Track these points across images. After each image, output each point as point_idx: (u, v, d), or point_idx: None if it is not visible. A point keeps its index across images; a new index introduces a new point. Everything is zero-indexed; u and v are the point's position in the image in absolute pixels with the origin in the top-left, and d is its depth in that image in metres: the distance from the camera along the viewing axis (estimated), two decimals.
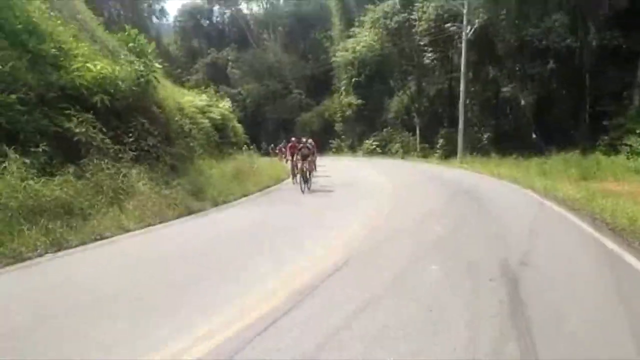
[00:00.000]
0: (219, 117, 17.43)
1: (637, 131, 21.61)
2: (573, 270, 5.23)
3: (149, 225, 8.20)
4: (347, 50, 36.25)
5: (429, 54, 30.02)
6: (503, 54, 27.18)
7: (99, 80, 10.57)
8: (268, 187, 14.84)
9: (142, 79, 11.64)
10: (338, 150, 41.45)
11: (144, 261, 6.06)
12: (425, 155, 32.61)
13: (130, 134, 10.87)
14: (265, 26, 55.04)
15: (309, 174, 13.77)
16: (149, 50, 12.06)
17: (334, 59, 38.88)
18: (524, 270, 5.04)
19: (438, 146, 31.31)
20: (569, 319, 3.73)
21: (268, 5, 54.75)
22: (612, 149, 21.81)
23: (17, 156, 7.72)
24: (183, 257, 6.14)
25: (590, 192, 10.28)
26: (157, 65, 12.26)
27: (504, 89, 28.20)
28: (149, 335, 3.50)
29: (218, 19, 55.66)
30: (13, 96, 8.48)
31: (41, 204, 7.41)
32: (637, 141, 21.15)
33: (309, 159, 13.87)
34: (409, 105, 37.17)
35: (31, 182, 7.59)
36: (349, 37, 38.33)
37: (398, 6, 30.94)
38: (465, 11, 24.66)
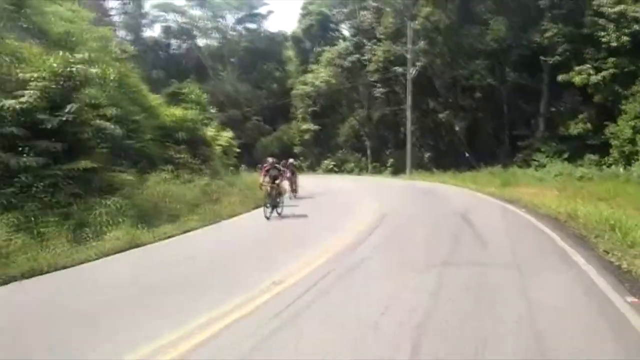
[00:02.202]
0: (226, 144, 22.17)
1: (542, 150, 28.96)
2: (488, 214, 11.07)
3: (239, 214, 12.98)
4: (306, 84, 41.95)
5: (379, 89, 36.34)
6: (439, 88, 34.05)
7: (178, 122, 15.39)
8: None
9: (199, 120, 16.48)
10: (299, 170, 46.67)
11: (249, 230, 10.88)
12: (377, 172, 38.66)
13: (198, 156, 15.69)
14: (219, 59, 59.71)
15: (279, 198, 12.85)
16: (203, 99, 16.93)
17: (294, 91, 44.41)
18: (467, 215, 10.65)
19: (388, 164, 37.49)
20: (486, 226, 9.28)
21: (222, 39, 59.49)
22: (525, 164, 28.83)
23: (166, 170, 12.43)
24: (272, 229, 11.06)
25: (505, 190, 16.37)
26: (211, 110, 17.15)
27: (440, 115, 34.88)
28: (290, 252, 8.03)
29: (175, 51, 59.61)
30: (148, 136, 13.16)
31: (180, 199, 12.07)
32: (542, 157, 28.42)
33: (277, 181, 12.90)
34: (357, 130, 43.47)
35: (173, 187, 12.27)
36: (305, 72, 44.17)
37: (351, 48, 37.20)
38: (409, 57, 31.19)
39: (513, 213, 11.92)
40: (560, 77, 27.69)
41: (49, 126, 9.77)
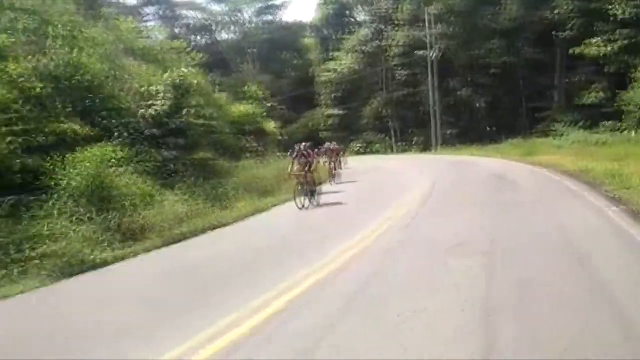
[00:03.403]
0: (273, 133, 25.25)
1: (559, 120, 31.49)
2: (517, 174, 13.94)
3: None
4: (329, 71, 44.73)
5: (400, 72, 39.00)
6: (458, 68, 36.61)
7: (243, 117, 18.48)
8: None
9: (259, 114, 19.59)
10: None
11: (343, 194, 13.97)
12: (403, 151, 41.47)
13: (261, 144, 18.83)
14: (239, 52, 62.57)
15: (313, 187, 12.21)
16: (262, 96, 20.04)
17: (318, 78, 47.20)
18: (500, 175, 13.59)
19: (414, 142, 40.25)
20: (516, 181, 12.24)
21: (241, 33, 62.29)
22: (544, 134, 31.38)
23: (246, 157, 15.56)
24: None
25: (527, 157, 19.24)
26: (267, 105, 20.24)
27: (460, 94, 37.47)
28: (386, 203, 11.29)
29: (196, 48, 62.56)
30: (227, 130, 16.27)
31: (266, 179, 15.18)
32: (559, 127, 30.95)
33: (308, 168, 12.18)
34: (380, 112, 46.19)
35: (255, 171, 15.39)
36: (327, 59, 46.89)
37: (371, 35, 39.85)
38: (428, 41, 33.80)
39: (536, 172, 14.89)
40: (572, 51, 29.99)
41: (173, 126, 12.93)
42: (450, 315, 3.97)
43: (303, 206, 11.51)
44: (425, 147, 37.91)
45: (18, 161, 8.65)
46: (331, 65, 44.95)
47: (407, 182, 15.25)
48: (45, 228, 7.70)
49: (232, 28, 63.58)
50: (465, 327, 3.68)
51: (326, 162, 18.52)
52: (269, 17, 62.22)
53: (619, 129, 28.30)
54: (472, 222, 8.07)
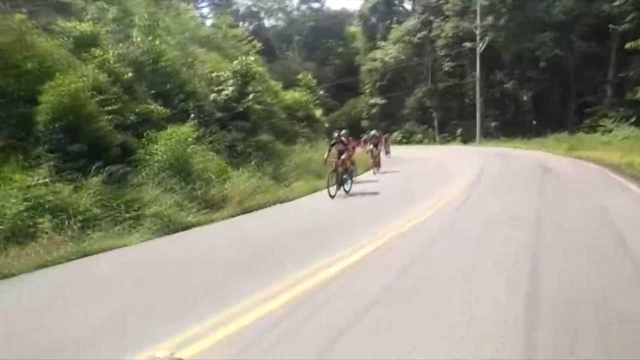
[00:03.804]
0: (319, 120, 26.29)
1: (609, 115, 31.10)
2: (561, 165, 14.53)
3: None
4: (375, 60, 45.30)
5: (447, 63, 39.17)
6: (505, 61, 36.49)
7: (296, 103, 19.58)
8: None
9: (312, 101, 20.66)
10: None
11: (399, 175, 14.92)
12: (445, 142, 41.74)
13: (311, 130, 19.90)
14: (285, 38, 63.79)
15: (345, 174, 12.28)
16: (313, 84, 21.09)
17: (363, 66, 47.87)
18: (545, 166, 14.19)
19: (457, 133, 40.44)
20: (561, 171, 12.85)
21: (287, 20, 63.47)
22: (592, 129, 31.08)
23: (300, 142, 16.67)
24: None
25: (572, 152, 19.58)
26: (319, 93, 21.28)
27: (506, 86, 37.32)
28: (442, 184, 12.24)
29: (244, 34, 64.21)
30: (283, 116, 17.40)
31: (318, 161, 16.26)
32: (608, 122, 30.61)
33: (344, 156, 12.18)
34: (423, 102, 46.41)
35: (308, 154, 16.46)
36: (373, 48, 47.42)
37: (419, 25, 40.09)
38: (478, 32, 33.88)
39: (581, 164, 15.38)
40: (628, 45, 29.46)
41: (240, 110, 14.17)
42: (503, 269, 4.93)
43: (334, 195, 11.45)
44: (468, 139, 38.09)
45: (119, 136, 10.03)
46: (377, 54, 45.53)
47: (455, 170, 15.98)
48: (143, 194, 9.05)
49: (279, 15, 64.94)
50: (515, 277, 4.64)
51: (370, 149, 18.63)
52: (316, 5, 63.26)
53: None
54: (519, 202, 8.94)
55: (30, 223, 7.17)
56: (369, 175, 17.12)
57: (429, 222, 7.67)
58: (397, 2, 49.96)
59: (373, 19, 50.58)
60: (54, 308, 4.88)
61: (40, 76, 9.81)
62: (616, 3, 29.74)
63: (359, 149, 20.11)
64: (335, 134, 13.12)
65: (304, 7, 63.70)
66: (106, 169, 9.07)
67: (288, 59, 61.69)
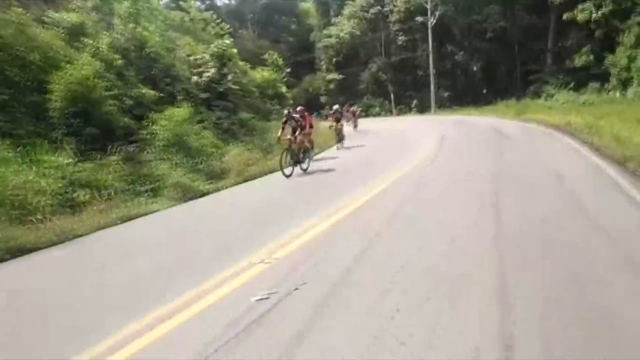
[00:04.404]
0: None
1: (550, 82, 34.02)
2: (511, 127, 16.62)
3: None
4: (330, 37, 46.57)
5: (400, 37, 41.04)
6: (456, 33, 38.75)
7: (265, 82, 20.79)
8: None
9: (277, 80, 21.92)
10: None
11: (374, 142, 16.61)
12: (402, 113, 43.94)
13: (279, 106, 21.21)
14: (238, 17, 63.67)
15: (302, 152, 12.06)
16: (280, 64, 22.29)
17: (319, 43, 49.01)
18: (497, 129, 16.24)
19: (413, 105, 42.69)
20: (511, 132, 14.93)
21: None
22: (537, 95, 33.96)
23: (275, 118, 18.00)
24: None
25: (520, 116, 21.90)
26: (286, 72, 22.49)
27: (456, 58, 39.71)
28: (420, 143, 14.10)
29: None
30: (257, 94, 18.59)
31: None
32: (550, 89, 33.51)
33: (297, 132, 11.89)
34: (379, 76, 48.35)
35: None
36: (327, 25, 48.61)
37: (372, 1, 41.67)
38: (429, 7, 35.81)
39: (528, 126, 17.64)
40: (565, 16, 32.18)
41: (220, 90, 15.32)
42: (475, 200, 6.64)
43: (289, 175, 11.13)
44: (423, 110, 40.42)
45: (125, 118, 11.10)
46: (332, 30, 46.75)
47: (418, 136, 17.81)
48: (154, 170, 10.26)
49: None
50: (482, 218, 6.30)
51: (334, 125, 18.68)
52: None
53: (605, 90, 30.94)
54: (479, 158, 10.84)
55: (69, 197, 8.30)
56: (332, 151, 17.42)
57: (410, 177, 9.34)
58: None
59: None
60: (153, 246, 6.37)
61: (43, 66, 10.67)
62: None
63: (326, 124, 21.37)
64: (286, 111, 12.77)
65: None
66: (120, 148, 10.18)
67: (242, 38, 61.85)
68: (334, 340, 3.04)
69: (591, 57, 32.49)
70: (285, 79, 23.51)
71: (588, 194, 6.55)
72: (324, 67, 51.59)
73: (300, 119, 12.45)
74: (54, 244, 6.64)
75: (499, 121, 22.01)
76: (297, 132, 11.92)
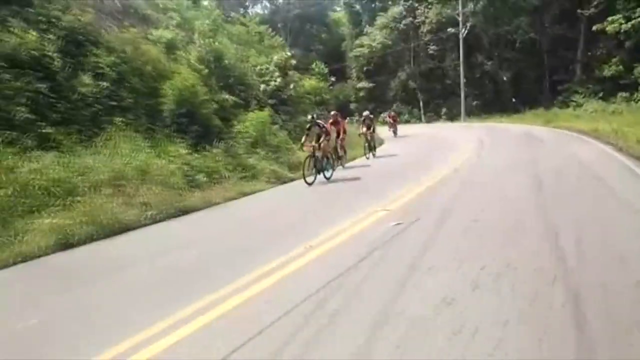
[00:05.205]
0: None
1: (579, 91, 35.66)
2: (541, 132, 18.72)
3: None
4: (362, 46, 49.04)
5: (431, 47, 43.23)
6: (485, 44, 40.73)
7: (313, 89, 23.19)
8: None
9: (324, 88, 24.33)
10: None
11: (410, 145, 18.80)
12: (431, 121, 45.93)
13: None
14: (270, 26, 66.69)
15: (327, 160, 12.14)
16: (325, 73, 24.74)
17: (350, 52, 51.51)
18: (528, 134, 18.26)
19: (442, 113, 44.70)
20: (541, 135, 16.96)
21: (270, 8, 66.53)
22: (565, 105, 35.58)
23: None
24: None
25: (548, 124, 23.86)
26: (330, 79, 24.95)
27: (486, 67, 41.59)
28: (453, 148, 16.21)
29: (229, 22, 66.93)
30: (308, 101, 20.96)
31: None
32: (579, 98, 35.14)
33: (322, 140, 11.82)
34: (407, 84, 50.51)
35: None
36: (359, 34, 51.14)
37: (404, 12, 44.00)
38: (460, 18, 37.96)
39: (557, 132, 19.67)
40: (595, 27, 33.81)
41: (284, 97, 17.73)
42: (521, 188, 8.80)
43: (311, 183, 11.09)
44: (452, 117, 42.39)
45: (218, 120, 13.56)
46: (364, 40, 49.20)
47: (458, 139, 19.96)
48: (245, 161, 12.64)
49: (264, 3, 67.84)
50: (529, 203, 8.42)
51: (363, 133, 17.73)
52: None
53: (633, 100, 32.38)
54: (518, 153, 13.09)
55: (191, 179, 10.71)
56: (362, 160, 16.80)
57: (462, 170, 11.52)
58: None
59: (357, 6, 54.09)
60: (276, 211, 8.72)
61: (154, 76, 13.21)
62: None
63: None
64: (309, 117, 12.66)
65: None
66: (220, 143, 12.60)
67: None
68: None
69: (621, 67, 33.98)
70: (331, 87, 25.84)
71: (610, 177, 8.72)
72: (354, 75, 54.02)
73: (325, 126, 12.54)
74: (202, 208, 9.07)
75: (530, 127, 23.99)
76: (322, 139, 11.86)
